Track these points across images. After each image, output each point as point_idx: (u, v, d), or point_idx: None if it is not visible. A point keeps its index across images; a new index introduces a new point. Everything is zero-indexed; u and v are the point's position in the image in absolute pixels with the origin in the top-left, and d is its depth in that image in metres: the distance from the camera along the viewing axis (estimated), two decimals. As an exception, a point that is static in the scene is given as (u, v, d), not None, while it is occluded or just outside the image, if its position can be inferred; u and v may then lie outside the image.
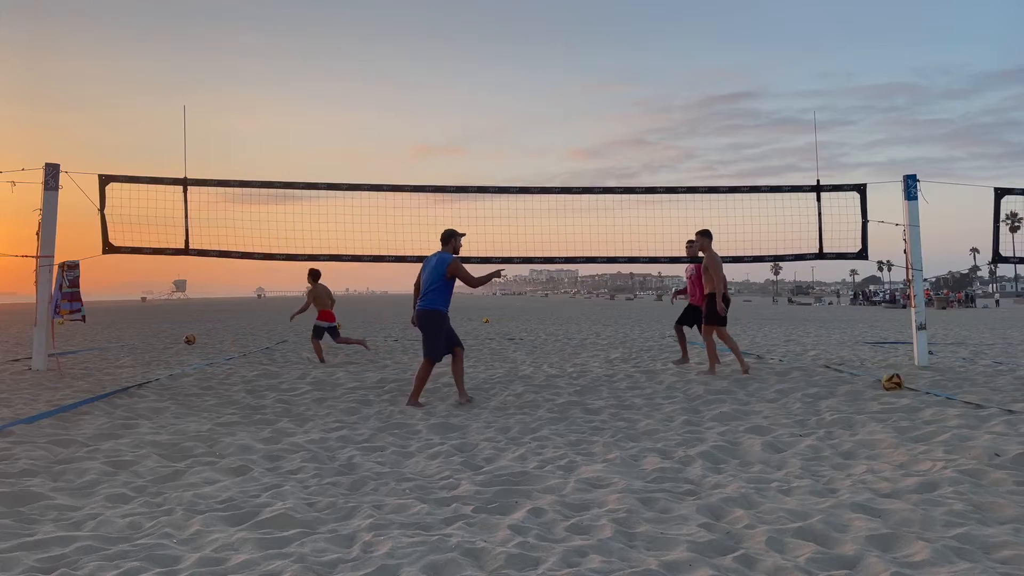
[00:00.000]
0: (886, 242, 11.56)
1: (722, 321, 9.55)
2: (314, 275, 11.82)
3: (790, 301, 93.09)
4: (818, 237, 10.84)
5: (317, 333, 11.93)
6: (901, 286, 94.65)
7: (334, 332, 12.12)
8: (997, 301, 69.89)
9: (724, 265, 9.84)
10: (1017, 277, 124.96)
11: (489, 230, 10.88)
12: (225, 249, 10.48)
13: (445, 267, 7.33)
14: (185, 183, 10.39)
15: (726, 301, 9.53)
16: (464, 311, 41.57)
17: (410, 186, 10.64)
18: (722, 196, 11.12)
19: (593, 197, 11.22)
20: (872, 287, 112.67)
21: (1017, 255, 18.06)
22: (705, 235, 9.72)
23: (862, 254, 10.79)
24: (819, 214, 10.81)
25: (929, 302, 52.17)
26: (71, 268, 10.26)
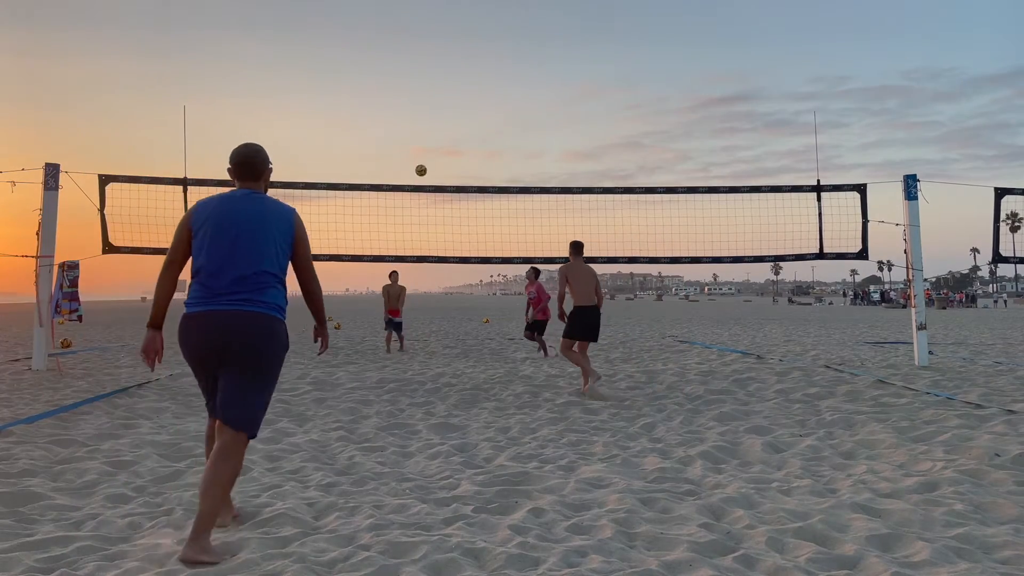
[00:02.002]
0: (886, 242, 11.57)
1: (566, 332, 8.27)
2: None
3: (790, 301, 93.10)
4: (818, 237, 10.85)
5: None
6: (898, 285, 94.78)
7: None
8: (1005, 302, 69.60)
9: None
10: (1017, 277, 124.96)
11: (489, 230, 10.88)
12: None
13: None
14: (185, 183, 10.40)
15: (576, 316, 8.18)
16: (464, 311, 41.59)
17: (410, 186, 10.63)
18: (722, 196, 11.12)
19: (593, 197, 11.22)
20: (872, 287, 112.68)
21: (1017, 255, 18.07)
22: (570, 246, 8.46)
23: (862, 254, 10.79)
24: (819, 214, 10.81)
25: (929, 302, 52.13)
26: (71, 268, 10.26)
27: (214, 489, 3.13)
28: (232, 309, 3.19)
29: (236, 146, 3.48)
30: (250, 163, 3.44)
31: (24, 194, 9.96)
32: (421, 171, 9.75)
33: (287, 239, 3.35)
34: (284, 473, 4.71)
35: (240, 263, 3.23)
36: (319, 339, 3.72)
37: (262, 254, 3.26)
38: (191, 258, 3.34)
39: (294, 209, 3.43)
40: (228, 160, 3.48)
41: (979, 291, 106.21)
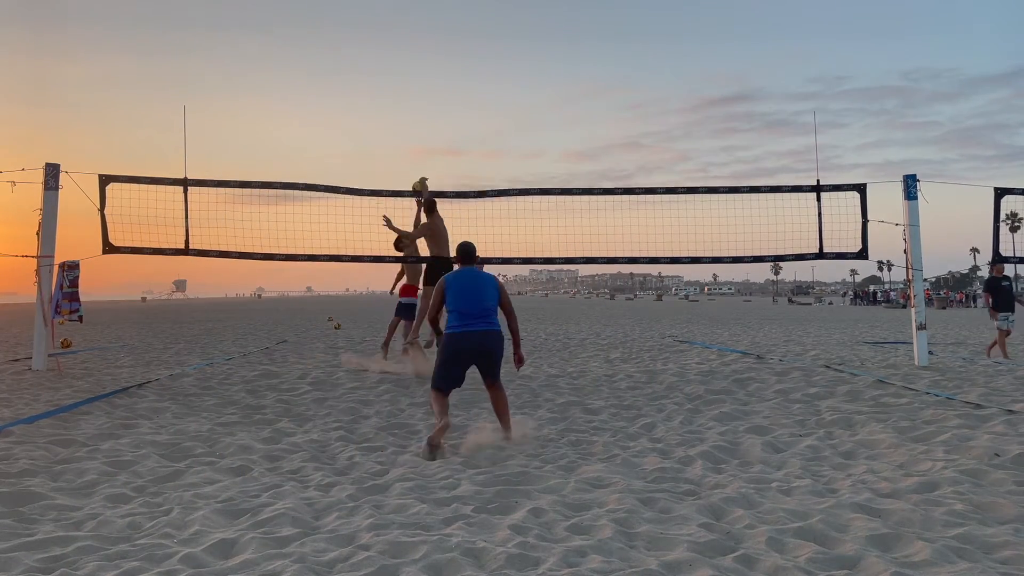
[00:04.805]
0: (886, 242, 11.55)
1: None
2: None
3: (790, 301, 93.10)
4: (818, 237, 10.83)
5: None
6: (898, 285, 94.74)
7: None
8: None
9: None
10: (1017, 277, 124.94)
11: (489, 230, 10.87)
12: (225, 249, 10.47)
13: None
14: (185, 183, 10.39)
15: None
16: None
17: (409, 192, 10.62)
18: (722, 196, 11.10)
19: (593, 198, 11.20)
20: (872, 287, 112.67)
21: (1017, 255, 18.07)
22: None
23: (862, 254, 10.77)
24: (819, 214, 10.78)
25: (929, 302, 52.13)
26: (71, 268, 10.26)
27: (504, 409, 5.79)
28: (481, 329, 5.63)
29: (460, 242, 6.12)
30: (470, 255, 6.04)
31: (24, 194, 9.95)
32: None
33: (496, 293, 5.81)
34: (284, 473, 4.72)
35: (481, 305, 5.68)
36: (516, 355, 6.01)
37: (488, 300, 5.73)
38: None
39: (495, 276, 5.97)
40: (456, 251, 6.10)
41: (979, 291, 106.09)
